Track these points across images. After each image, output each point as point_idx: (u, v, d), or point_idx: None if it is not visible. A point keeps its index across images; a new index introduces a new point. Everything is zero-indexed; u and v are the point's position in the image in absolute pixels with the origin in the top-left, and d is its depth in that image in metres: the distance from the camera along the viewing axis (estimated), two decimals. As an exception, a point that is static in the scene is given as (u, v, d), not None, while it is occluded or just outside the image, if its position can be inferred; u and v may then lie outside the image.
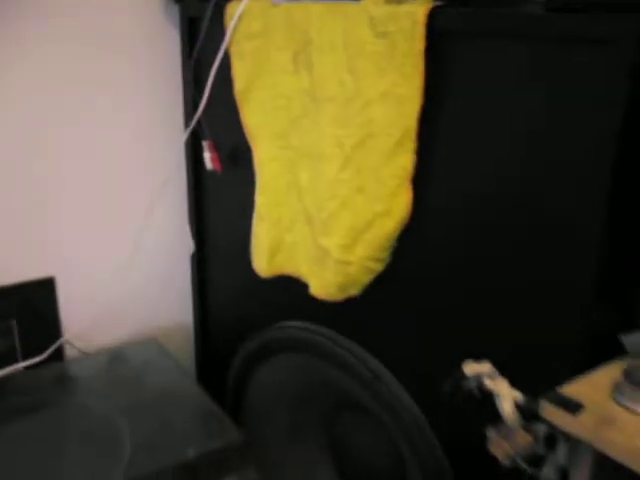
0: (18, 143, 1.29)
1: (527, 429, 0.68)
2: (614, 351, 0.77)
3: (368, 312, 1.09)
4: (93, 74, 1.33)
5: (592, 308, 0.79)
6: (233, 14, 1.14)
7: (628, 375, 0.68)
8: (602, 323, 0.79)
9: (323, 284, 1.10)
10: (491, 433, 0.67)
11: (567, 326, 0.80)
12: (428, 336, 1.01)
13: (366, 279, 1.04)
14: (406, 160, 0.94)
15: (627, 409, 0.66)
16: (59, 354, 1.42)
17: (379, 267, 1.02)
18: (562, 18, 0.76)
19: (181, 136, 1.37)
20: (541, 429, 0.67)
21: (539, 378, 0.73)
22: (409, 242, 0.99)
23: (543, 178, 0.81)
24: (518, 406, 0.67)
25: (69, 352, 1.44)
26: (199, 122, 1.26)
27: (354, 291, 1.07)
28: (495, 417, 0.71)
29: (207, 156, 1.27)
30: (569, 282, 0.80)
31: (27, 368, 1.37)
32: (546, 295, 0.83)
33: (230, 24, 1.15)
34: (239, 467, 1.14)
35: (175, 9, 1.35)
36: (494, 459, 0.83)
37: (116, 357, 1.41)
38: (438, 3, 0.89)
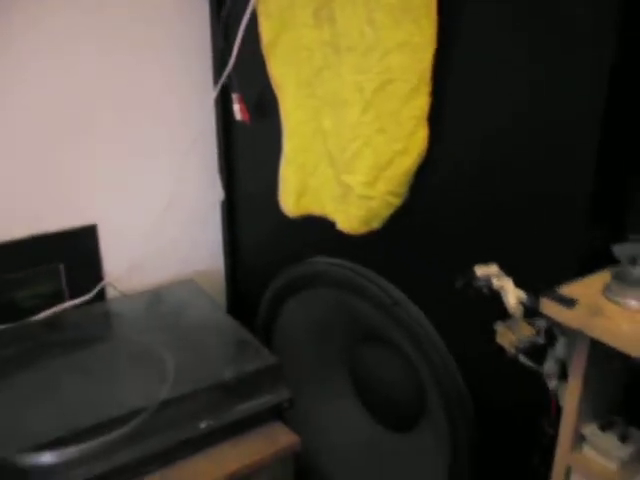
0: (62, 100, 1.40)
1: (530, 324, 0.79)
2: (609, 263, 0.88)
3: (388, 244, 1.20)
4: (128, 36, 1.43)
5: (588, 221, 0.89)
6: (260, -26, 1.24)
7: (616, 275, 0.79)
8: (597, 237, 0.89)
9: (347, 219, 1.21)
10: (498, 326, 0.78)
11: (567, 238, 0.90)
12: (443, 262, 1.11)
13: (387, 212, 1.15)
14: (422, 102, 1.04)
15: (614, 302, 0.77)
16: (102, 295, 1.54)
17: (398, 201, 1.13)
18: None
19: (211, 90, 1.47)
20: (542, 323, 0.78)
21: (541, 283, 0.84)
22: (425, 177, 1.09)
23: (543, 112, 0.91)
24: (522, 303, 0.78)
25: (111, 294, 1.56)
26: (228, 76, 1.36)
27: (376, 224, 1.18)
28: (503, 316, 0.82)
29: (236, 108, 1.37)
30: (569, 199, 0.90)
31: (73, 308, 1.49)
32: (549, 211, 0.92)
33: (257, -17, 1.25)
34: (273, 387, 1.26)
35: (203, -30, 1.44)
36: (511, 383, 0.94)
37: (155, 296, 1.53)
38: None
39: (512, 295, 0.76)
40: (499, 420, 1.10)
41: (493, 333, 0.87)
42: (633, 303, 0.77)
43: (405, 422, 1.38)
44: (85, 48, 1.39)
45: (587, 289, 0.81)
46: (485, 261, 1.01)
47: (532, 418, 0.98)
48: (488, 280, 0.78)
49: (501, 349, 0.87)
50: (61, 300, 1.48)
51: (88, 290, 1.50)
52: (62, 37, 1.36)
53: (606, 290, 0.80)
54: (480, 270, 0.79)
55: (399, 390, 1.37)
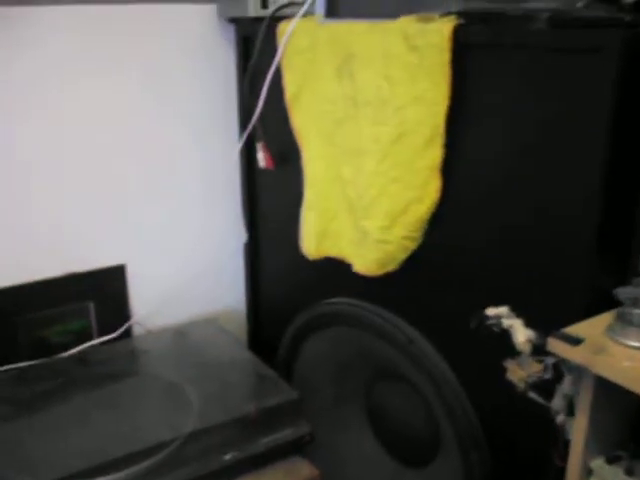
0: (98, 147, 1.49)
1: (538, 361, 0.85)
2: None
3: (404, 285, 1.26)
4: (162, 88, 1.54)
5: (594, 269, 0.96)
6: (284, 32, 1.33)
7: (619, 316, 0.85)
8: (603, 282, 0.95)
9: (365, 262, 1.27)
10: (508, 363, 0.84)
11: (574, 284, 0.97)
12: (455, 302, 1.17)
13: (403, 256, 1.22)
14: (436, 153, 1.11)
15: (616, 342, 0.83)
16: (128, 332, 1.61)
17: (414, 245, 1.20)
18: (560, 32, 0.94)
19: (236, 139, 1.56)
20: (549, 360, 0.84)
21: (550, 324, 0.91)
22: (438, 223, 1.16)
23: (548, 167, 0.99)
24: (531, 342, 0.84)
25: (137, 331, 1.63)
26: (253, 127, 1.45)
27: (392, 266, 1.24)
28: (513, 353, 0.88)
29: (260, 156, 1.46)
30: (576, 248, 0.97)
31: (101, 344, 1.56)
32: (558, 258, 1.00)
33: (282, 41, 1.34)
34: (294, 422, 1.32)
35: (230, 28, 1.54)
36: (521, 418, 0.99)
37: (179, 334, 1.60)
38: (461, 21, 1.06)
39: (521, 334, 0.82)
40: (511, 454, 1.15)
41: (504, 370, 0.93)
42: (634, 343, 0.83)
43: (421, 458, 1.42)
44: (118, 100, 1.49)
45: (592, 329, 0.87)
46: (496, 302, 1.08)
47: (543, 452, 1.03)
48: (499, 320, 0.84)
49: (512, 385, 0.93)
50: (90, 337, 1.55)
51: (116, 328, 1.57)
52: (94, 90, 1.46)
53: (609, 330, 0.86)
54: (491, 311, 0.85)
55: (414, 426, 1.42)
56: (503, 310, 0.85)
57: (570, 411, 0.92)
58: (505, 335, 0.85)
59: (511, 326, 0.83)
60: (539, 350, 0.86)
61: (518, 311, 0.95)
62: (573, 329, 0.87)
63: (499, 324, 0.84)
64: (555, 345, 0.83)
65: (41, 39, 1.37)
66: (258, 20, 1.41)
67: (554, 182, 0.99)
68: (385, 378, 1.45)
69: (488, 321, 0.84)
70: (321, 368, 1.53)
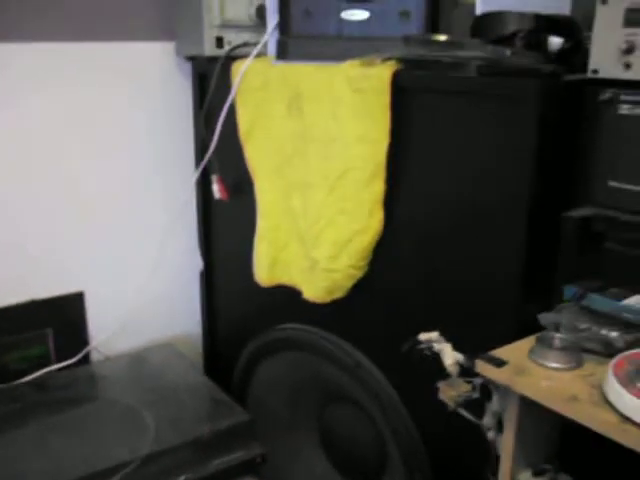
0: (58, 175, 1.54)
1: (468, 381, 0.92)
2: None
3: (351, 311, 1.33)
4: (119, 119, 1.60)
5: (520, 298, 1.04)
6: (238, 72, 1.40)
7: (540, 340, 0.93)
8: (529, 313, 1.03)
9: (314, 289, 1.34)
10: (440, 384, 0.91)
11: (502, 311, 1.06)
12: (397, 327, 1.24)
13: (349, 284, 1.29)
14: (378, 187, 1.19)
15: (537, 363, 0.91)
16: (87, 358, 1.65)
17: (359, 273, 1.27)
18: (487, 80, 1.03)
19: (192, 171, 1.63)
20: (477, 380, 0.92)
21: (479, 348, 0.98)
22: (382, 252, 1.24)
23: (476, 200, 1.08)
24: (459, 364, 0.92)
25: (95, 357, 1.67)
26: (209, 160, 1.52)
27: (339, 294, 1.31)
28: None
29: (215, 188, 1.52)
30: (504, 279, 1.05)
31: (59, 370, 1.60)
32: (486, 287, 1.08)
33: (236, 79, 1.41)
34: (246, 443, 1.37)
35: (187, 66, 1.62)
36: (458, 436, 1.07)
37: (136, 359, 1.64)
38: (400, 66, 1.15)
39: (449, 357, 0.90)
40: (451, 470, 1.22)
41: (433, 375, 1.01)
42: (553, 364, 0.91)
43: (369, 476, 1.49)
44: (78, 131, 1.55)
45: (516, 352, 0.95)
46: (434, 326, 1.16)
47: (478, 467, 1.11)
48: (430, 344, 0.92)
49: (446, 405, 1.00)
50: (48, 363, 1.59)
51: (74, 354, 1.61)
52: (54, 120, 1.52)
53: (531, 353, 0.93)
54: (423, 336, 0.92)
55: (363, 445, 1.48)
56: (434, 335, 0.92)
57: (500, 428, 0.99)
58: (436, 358, 0.93)
59: (441, 350, 0.91)
60: (468, 372, 0.94)
61: (452, 336, 1.03)
62: (499, 352, 0.95)
63: (430, 347, 0.91)
64: (481, 367, 0.91)
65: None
66: (214, 59, 1.49)
67: (483, 221, 1.07)
68: (335, 400, 1.51)
69: (420, 345, 0.91)
70: (274, 391, 1.59)
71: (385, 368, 1.30)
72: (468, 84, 1.06)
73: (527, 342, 0.98)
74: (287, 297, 1.44)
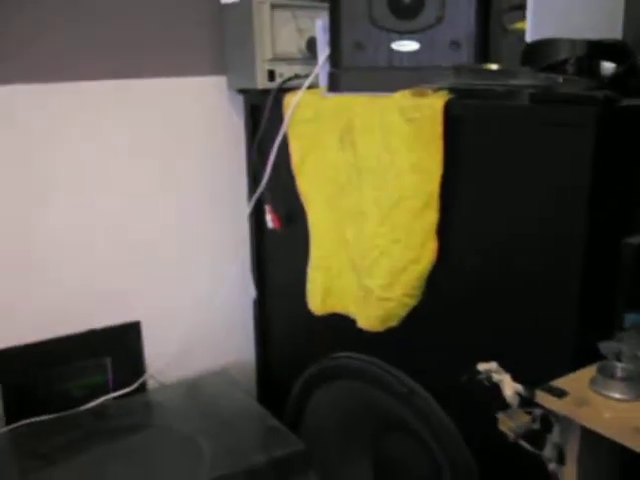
0: (118, 211, 1.60)
1: (528, 412, 0.91)
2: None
3: (405, 340, 1.33)
4: (172, 155, 1.64)
5: (577, 327, 1.03)
6: (290, 103, 1.43)
7: (601, 369, 0.92)
8: (588, 340, 1.02)
9: (368, 318, 1.35)
10: (500, 415, 0.91)
11: (560, 341, 1.05)
12: (452, 356, 1.24)
13: (403, 312, 1.29)
14: (432, 217, 1.19)
15: (598, 394, 0.90)
16: (143, 386, 1.68)
17: (413, 302, 1.27)
18: (540, 108, 1.03)
19: (245, 202, 1.66)
20: (538, 411, 0.91)
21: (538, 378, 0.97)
22: (436, 281, 1.24)
23: (532, 226, 1.07)
24: (519, 394, 0.91)
25: (151, 385, 1.70)
26: (262, 191, 1.54)
27: (393, 323, 1.32)
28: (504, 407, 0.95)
29: (269, 218, 1.55)
30: (560, 309, 1.04)
31: (116, 398, 1.63)
32: (544, 317, 1.08)
33: (288, 111, 1.44)
34: (301, 472, 1.37)
35: (240, 99, 1.65)
36: (518, 467, 1.05)
37: (192, 387, 1.67)
38: (452, 96, 1.16)
39: (509, 388, 0.89)
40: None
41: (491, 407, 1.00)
42: (615, 395, 0.90)
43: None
44: (136, 167, 1.60)
45: (576, 382, 0.94)
46: (488, 357, 1.15)
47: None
48: (489, 374, 0.91)
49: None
50: (107, 391, 1.62)
51: (131, 382, 1.64)
52: (112, 158, 1.57)
53: (592, 383, 0.92)
54: (482, 366, 0.92)
55: (417, 476, 1.46)
56: (493, 365, 0.92)
57: (561, 459, 0.98)
58: (495, 388, 0.92)
59: (500, 380, 0.90)
60: (528, 402, 0.93)
61: (508, 365, 1.02)
62: (559, 382, 0.94)
63: (489, 378, 0.91)
64: (542, 397, 0.90)
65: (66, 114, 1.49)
66: (266, 91, 1.52)
67: (539, 246, 1.07)
68: (390, 430, 1.50)
69: (479, 375, 0.91)
70: (328, 420, 1.59)
71: (440, 397, 1.29)
72: (521, 112, 1.06)
73: (588, 372, 0.97)
74: (341, 325, 1.44)
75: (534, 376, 0.99)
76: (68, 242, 1.55)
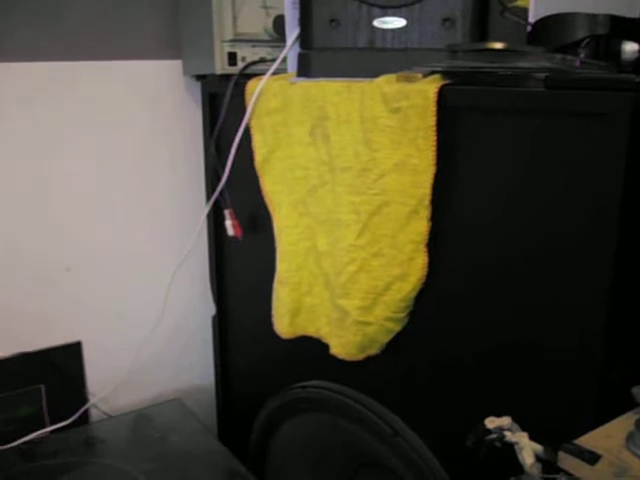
0: (53, 215, 1.39)
1: (547, 479, 0.72)
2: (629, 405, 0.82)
3: (387, 370, 1.14)
4: (124, 147, 1.44)
5: (605, 362, 0.84)
6: (253, 92, 1.22)
7: (639, 424, 0.73)
8: (615, 381, 0.83)
9: (343, 344, 1.15)
10: (513, 483, 0.71)
11: (583, 384, 0.85)
12: (446, 393, 1.05)
13: (385, 339, 1.09)
14: (421, 226, 1.00)
15: (639, 457, 0.71)
16: (85, 417, 1.46)
17: (397, 327, 1.08)
18: (559, 95, 0.83)
19: (203, 205, 1.44)
20: (562, 478, 0.71)
21: (558, 432, 0.78)
22: (426, 303, 1.04)
23: (545, 240, 0.88)
24: (538, 458, 0.71)
25: (94, 415, 1.48)
26: (221, 193, 1.33)
27: (373, 350, 1.12)
28: (516, 470, 0.75)
29: (228, 224, 1.34)
30: (580, 339, 0.85)
31: (54, 432, 1.41)
32: (555, 348, 0.88)
33: (250, 100, 1.23)
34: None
35: (197, 86, 1.44)
36: None
37: (140, 418, 1.46)
38: (447, 81, 0.96)
39: (528, 454, 0.70)
40: None
41: (500, 468, 0.80)
42: (661, 458, 0.70)
43: None
44: (76, 163, 1.39)
45: (608, 440, 0.75)
46: (491, 397, 0.96)
47: None
48: (501, 433, 0.71)
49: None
50: (41, 425, 1.41)
51: (70, 413, 1.43)
52: (48, 156, 1.36)
53: (630, 442, 0.73)
54: (491, 422, 0.72)
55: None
56: (505, 421, 0.72)
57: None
58: (507, 448, 0.72)
59: (516, 443, 0.71)
60: (549, 465, 0.73)
61: (512, 409, 0.83)
62: (586, 440, 0.74)
63: (501, 438, 0.71)
64: (569, 463, 0.70)
65: None
66: (226, 77, 1.32)
67: (556, 264, 0.87)
68: (366, 467, 1.31)
69: (489, 436, 0.71)
70: (297, 455, 1.39)
71: (429, 438, 1.09)
72: (535, 100, 0.87)
73: (620, 425, 0.78)
74: (313, 350, 1.24)
75: (544, 422, 0.81)
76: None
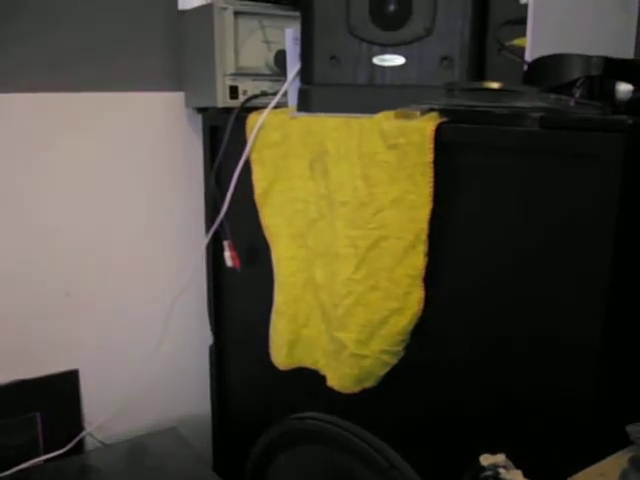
0: (47, 241, 1.39)
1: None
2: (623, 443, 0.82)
3: (384, 403, 1.14)
4: (122, 178, 1.45)
5: (597, 408, 0.84)
6: (254, 125, 1.24)
7: (633, 462, 0.73)
8: (608, 419, 0.84)
9: (339, 376, 1.15)
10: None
11: (576, 422, 0.86)
12: (442, 426, 1.05)
13: (381, 372, 1.10)
14: (418, 261, 1.01)
15: (634, 497, 0.71)
16: (80, 445, 1.46)
17: (394, 360, 1.08)
18: (554, 134, 0.85)
19: (202, 235, 1.45)
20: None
21: (551, 469, 0.78)
22: (422, 336, 1.05)
23: (539, 279, 0.89)
24: (531, 495, 0.72)
25: (90, 444, 1.47)
26: (220, 224, 1.34)
27: (369, 383, 1.12)
28: None
29: (227, 255, 1.34)
30: (574, 373, 0.86)
31: (48, 460, 1.40)
32: (549, 384, 0.89)
33: (251, 134, 1.24)
34: None
35: (198, 118, 1.46)
36: None
37: (136, 447, 1.45)
38: (444, 119, 0.98)
39: (523, 493, 0.70)
40: None
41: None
42: (654, 496, 0.71)
43: None
44: (80, 195, 1.41)
45: (602, 478, 0.75)
46: (488, 433, 0.96)
47: None
48: (495, 470, 0.72)
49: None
50: (36, 453, 1.40)
51: (66, 441, 1.42)
52: (54, 181, 1.38)
53: (623, 479, 0.73)
54: (486, 459, 0.73)
55: None
56: (500, 459, 0.72)
57: None
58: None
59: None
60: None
61: (504, 440, 0.83)
62: (581, 478, 0.75)
63: (496, 475, 0.72)
64: (563, 502, 0.71)
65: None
66: (227, 110, 1.33)
67: (551, 300, 0.88)
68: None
69: (484, 472, 0.72)
70: (293, 488, 1.38)
71: (424, 471, 1.09)
72: (529, 140, 0.88)
73: (614, 462, 0.78)
74: (310, 381, 1.24)
75: (539, 460, 0.81)
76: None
